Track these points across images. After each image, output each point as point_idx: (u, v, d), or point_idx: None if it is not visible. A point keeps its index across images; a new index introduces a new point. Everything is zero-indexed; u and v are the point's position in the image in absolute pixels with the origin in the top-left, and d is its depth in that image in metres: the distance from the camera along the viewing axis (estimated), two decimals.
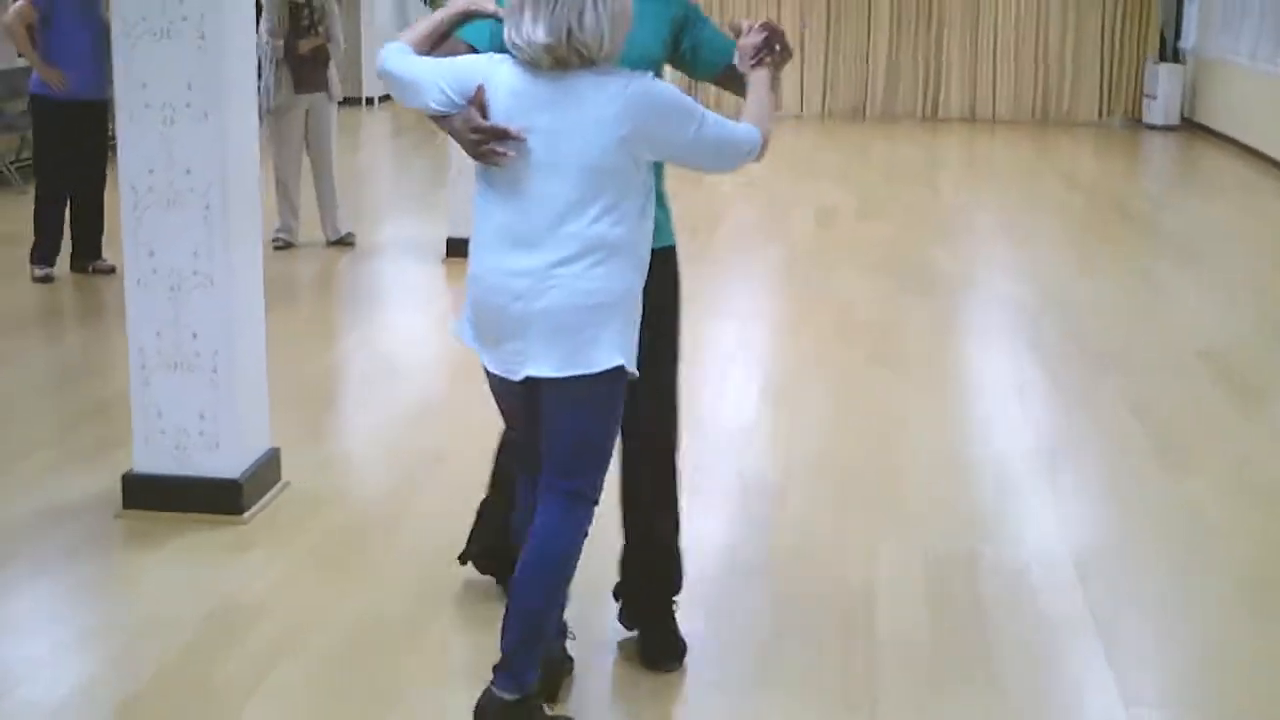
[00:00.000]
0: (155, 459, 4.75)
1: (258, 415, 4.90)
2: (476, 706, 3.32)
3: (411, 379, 6.53)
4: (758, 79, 3.41)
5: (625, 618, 3.90)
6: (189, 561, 4.47)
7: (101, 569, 4.44)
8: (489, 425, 3.85)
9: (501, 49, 3.22)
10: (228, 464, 4.72)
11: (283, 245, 9.04)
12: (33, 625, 4.07)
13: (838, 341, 7.17)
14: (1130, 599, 4.29)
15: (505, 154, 3.13)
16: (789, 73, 16.33)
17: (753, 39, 3.43)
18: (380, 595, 4.22)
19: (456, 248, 7.98)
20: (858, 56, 16.32)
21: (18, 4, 7.75)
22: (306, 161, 9.10)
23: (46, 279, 8.00)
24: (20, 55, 8.52)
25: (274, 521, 4.74)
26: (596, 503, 3.33)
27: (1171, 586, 4.42)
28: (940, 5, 16.07)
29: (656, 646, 3.81)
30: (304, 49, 8.82)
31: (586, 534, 3.32)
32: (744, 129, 3.25)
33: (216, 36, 4.47)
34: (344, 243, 9.17)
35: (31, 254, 8.04)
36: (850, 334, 7.29)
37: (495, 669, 3.32)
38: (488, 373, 3.33)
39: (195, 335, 4.65)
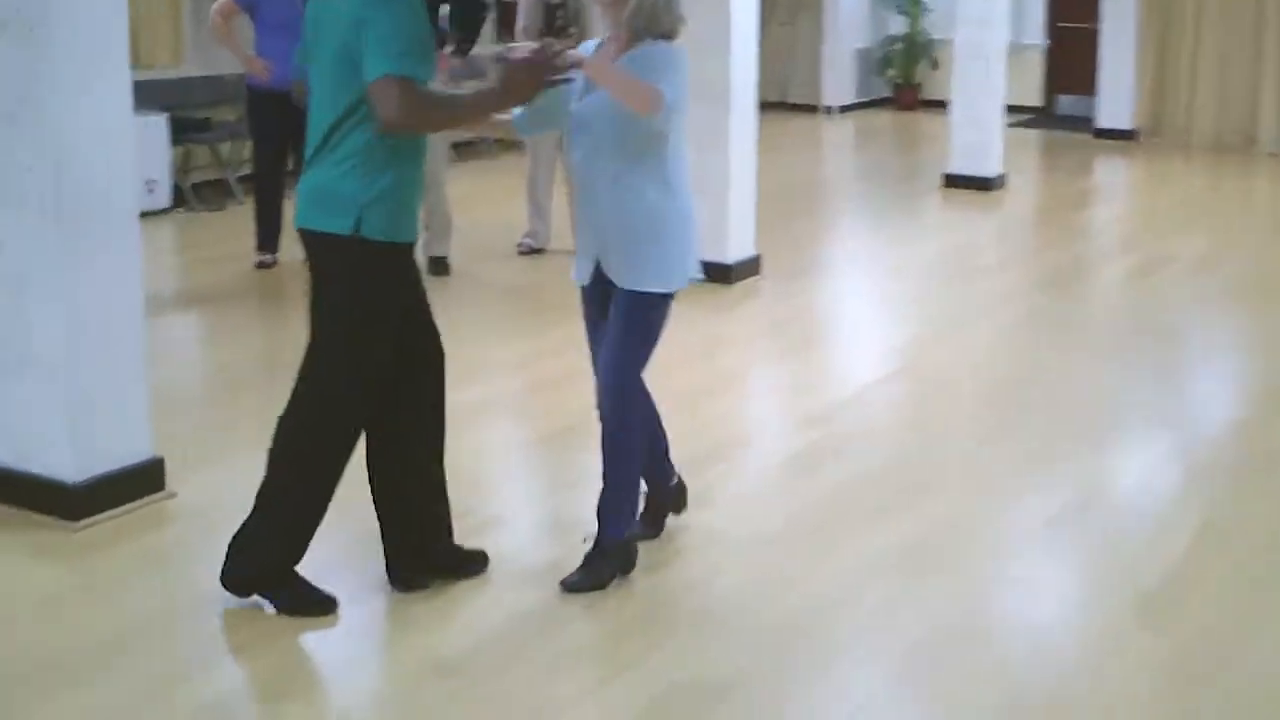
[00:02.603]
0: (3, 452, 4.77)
1: (122, 422, 4.78)
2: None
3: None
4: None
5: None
6: None
7: None
8: None
9: None
10: (65, 467, 4.64)
11: (526, 250, 8.93)
12: None
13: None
14: None
15: None
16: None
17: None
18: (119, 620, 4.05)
19: None
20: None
21: (220, 1, 8.06)
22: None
23: (262, 265, 8.29)
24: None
25: (109, 532, 4.62)
26: None
27: None
28: None
29: None
30: None
31: None
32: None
33: (45, 32, 4.38)
34: None
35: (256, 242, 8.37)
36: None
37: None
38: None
39: (36, 335, 4.61)
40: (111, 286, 4.68)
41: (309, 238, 3.98)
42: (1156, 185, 12.94)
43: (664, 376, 4.61)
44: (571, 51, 4.04)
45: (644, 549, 4.41)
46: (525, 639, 3.95)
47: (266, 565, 4.02)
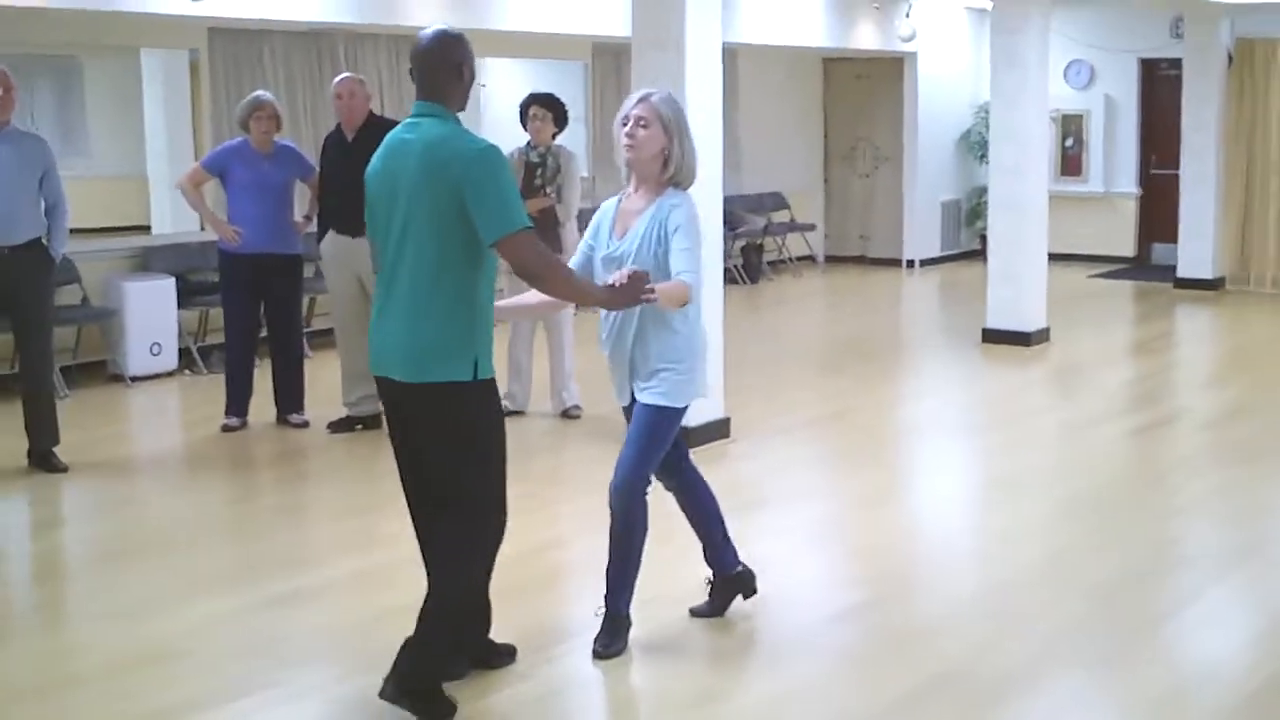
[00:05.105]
0: None
1: None
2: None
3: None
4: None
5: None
6: None
7: None
8: None
9: None
10: None
11: (506, 412, 8.82)
12: None
13: None
14: None
15: None
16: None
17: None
18: None
19: None
20: None
21: (190, 168, 8.24)
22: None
23: (228, 428, 8.29)
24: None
25: None
26: None
27: None
28: None
29: None
30: (530, 209, 8.56)
31: None
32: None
33: None
34: (568, 415, 8.82)
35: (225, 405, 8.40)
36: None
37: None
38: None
39: None
40: None
41: (423, 390, 4.25)
42: (1212, 338, 12.41)
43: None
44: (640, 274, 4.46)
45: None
46: None
47: (429, 679, 4.36)
